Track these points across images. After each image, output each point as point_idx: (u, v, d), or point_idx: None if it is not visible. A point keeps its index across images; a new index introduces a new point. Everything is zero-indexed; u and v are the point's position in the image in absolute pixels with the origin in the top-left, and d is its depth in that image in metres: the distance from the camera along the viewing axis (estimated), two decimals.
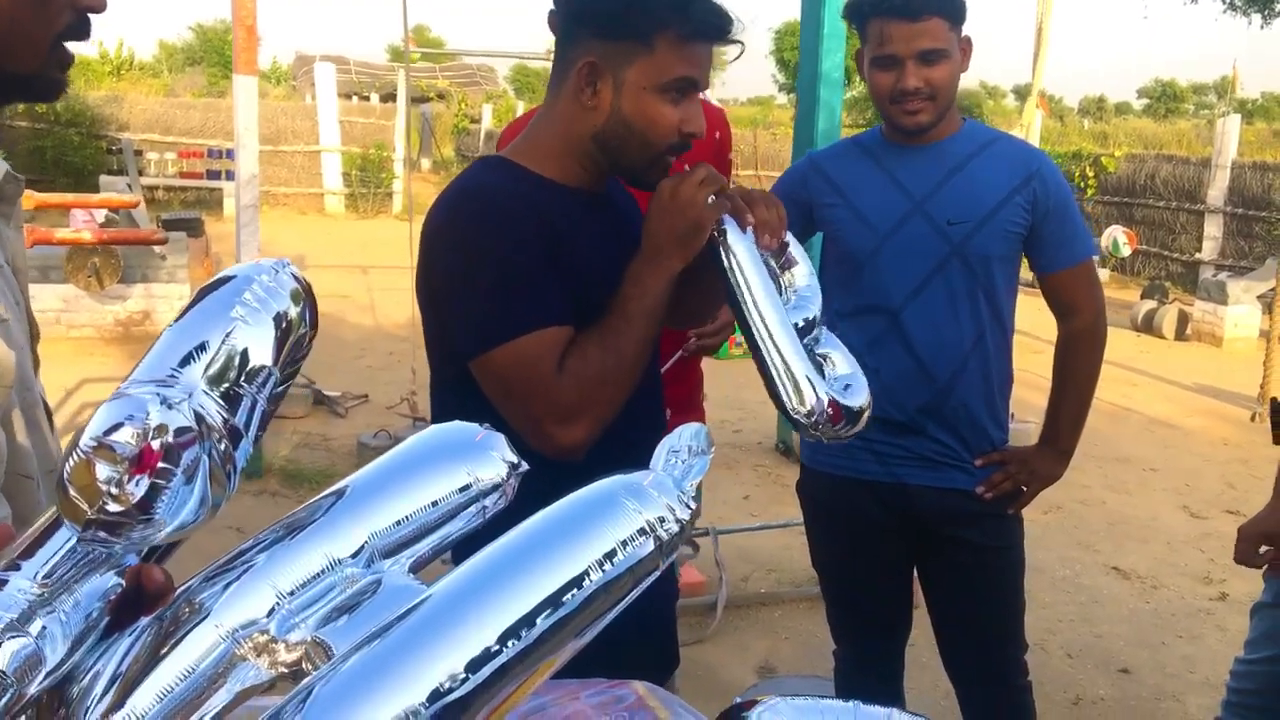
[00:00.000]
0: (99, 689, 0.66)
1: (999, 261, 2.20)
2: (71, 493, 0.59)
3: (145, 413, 0.60)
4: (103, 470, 0.58)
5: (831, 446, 2.33)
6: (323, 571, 0.72)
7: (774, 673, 3.71)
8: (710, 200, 1.47)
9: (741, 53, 1.55)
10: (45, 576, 0.64)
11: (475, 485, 0.79)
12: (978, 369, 2.24)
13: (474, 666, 0.63)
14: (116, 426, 0.59)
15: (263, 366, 0.69)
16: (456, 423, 0.83)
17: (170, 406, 0.61)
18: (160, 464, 0.59)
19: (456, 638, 0.64)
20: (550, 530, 0.70)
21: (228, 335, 0.68)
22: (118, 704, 0.65)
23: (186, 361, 0.67)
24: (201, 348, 0.68)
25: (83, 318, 7.48)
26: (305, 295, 0.75)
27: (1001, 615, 2.35)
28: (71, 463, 0.59)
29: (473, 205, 1.48)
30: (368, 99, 21.54)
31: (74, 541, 0.65)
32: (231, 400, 0.68)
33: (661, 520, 0.73)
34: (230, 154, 15.97)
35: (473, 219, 1.47)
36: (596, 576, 0.69)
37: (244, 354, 0.68)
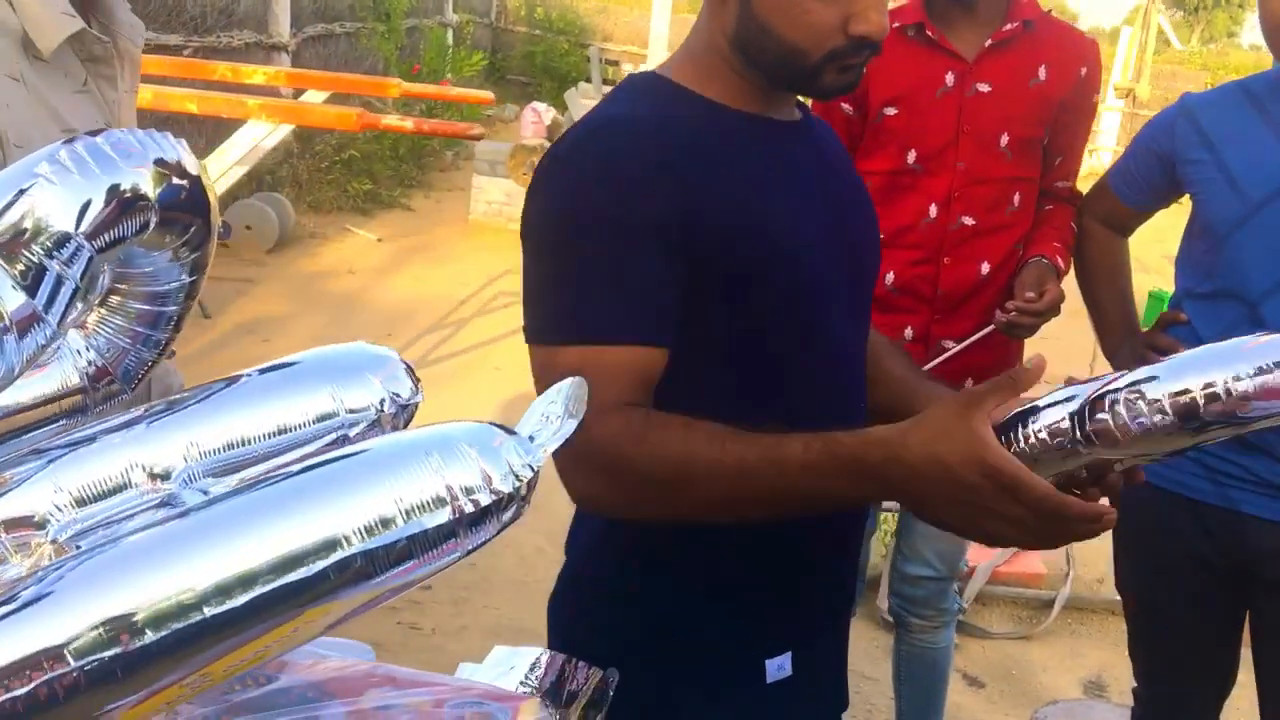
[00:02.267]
0: None
1: None
2: None
3: None
4: None
5: None
6: (120, 482, 0.63)
7: (1103, 691, 3.28)
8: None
9: None
10: None
11: (340, 414, 0.67)
12: None
13: (162, 620, 0.51)
14: None
15: (64, 235, 0.61)
16: (362, 343, 0.71)
17: None
18: None
19: (153, 580, 0.52)
20: (328, 476, 0.56)
21: (20, 194, 0.60)
22: None
23: None
24: None
25: (520, 211, 8.04)
26: (180, 176, 0.66)
27: None
28: None
29: (591, 153, 1.15)
30: None
31: None
32: (30, 274, 0.61)
33: (468, 489, 0.57)
34: None
35: (587, 172, 1.13)
36: (356, 543, 0.54)
37: (37, 217, 0.60)
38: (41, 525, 0.62)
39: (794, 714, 1.29)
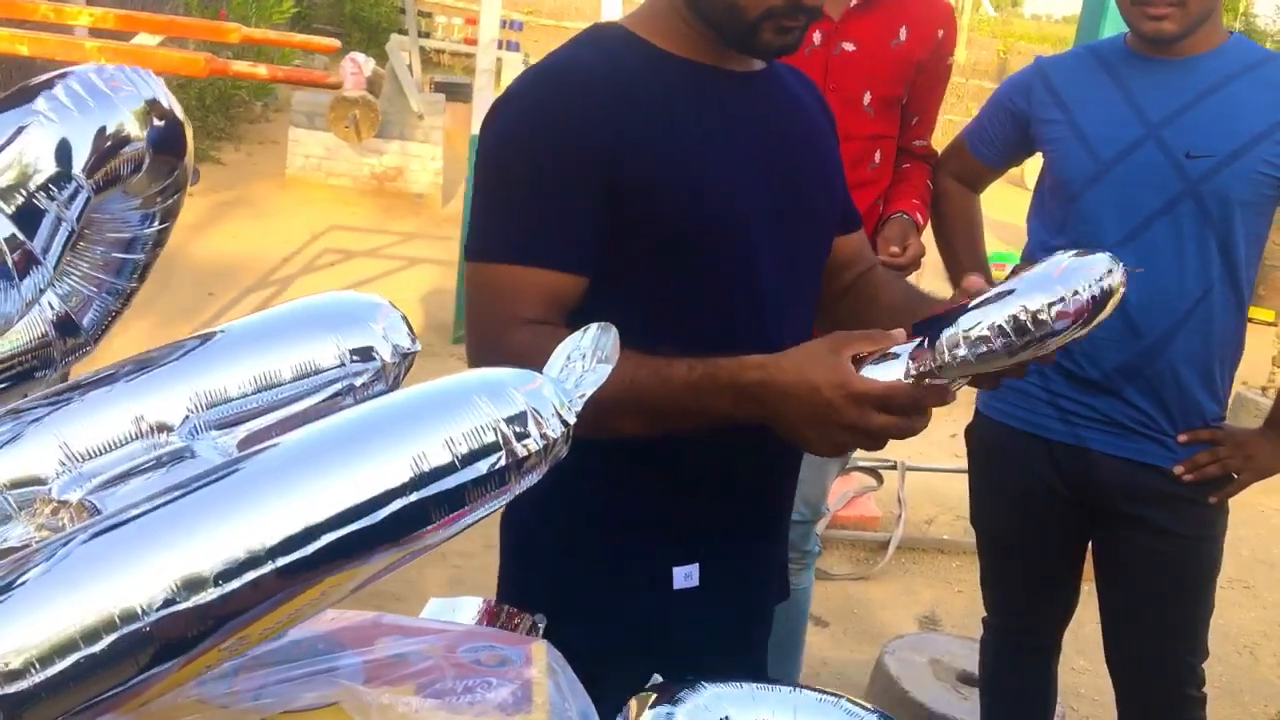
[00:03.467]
0: None
1: (1242, 208, 1.84)
2: None
3: None
4: None
5: (1011, 395, 2.06)
6: (126, 436, 0.60)
7: (937, 625, 3.47)
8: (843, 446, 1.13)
9: None
10: None
11: (344, 363, 0.65)
12: (1198, 330, 1.90)
13: (231, 574, 0.49)
14: None
15: (63, 175, 0.56)
16: (352, 292, 0.69)
17: None
18: None
19: (220, 535, 0.50)
20: (376, 424, 0.55)
21: (19, 131, 0.56)
22: None
23: None
24: None
25: (341, 167, 7.80)
26: (164, 117, 0.62)
27: (1180, 614, 2.04)
28: None
29: (533, 96, 1.23)
30: None
31: None
32: (29, 216, 0.56)
33: (520, 433, 0.56)
34: (516, 25, 16.24)
35: (526, 112, 1.22)
36: (415, 491, 0.53)
37: (37, 156, 0.56)
38: (44, 482, 0.58)
39: (698, 623, 1.34)
